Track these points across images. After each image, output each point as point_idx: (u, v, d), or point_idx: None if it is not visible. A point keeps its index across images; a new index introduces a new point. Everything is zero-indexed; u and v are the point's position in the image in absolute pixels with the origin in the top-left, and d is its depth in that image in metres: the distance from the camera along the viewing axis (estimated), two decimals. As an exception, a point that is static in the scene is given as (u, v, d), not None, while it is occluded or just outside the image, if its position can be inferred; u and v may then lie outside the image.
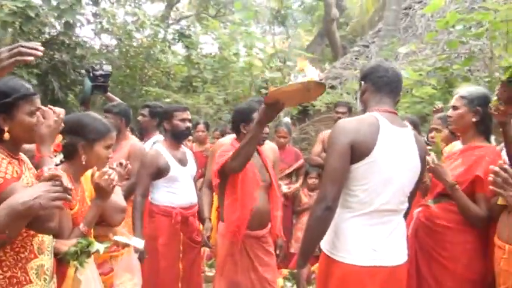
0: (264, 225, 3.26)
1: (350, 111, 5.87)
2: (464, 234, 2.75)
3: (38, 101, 1.96)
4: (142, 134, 4.70)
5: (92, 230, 2.28)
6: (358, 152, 2.14)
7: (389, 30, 9.12)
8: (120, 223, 2.48)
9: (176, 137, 3.75)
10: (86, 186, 2.34)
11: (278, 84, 7.96)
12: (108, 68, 4.70)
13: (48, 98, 6.90)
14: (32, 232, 1.83)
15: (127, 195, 3.35)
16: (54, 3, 7.06)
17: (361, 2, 14.60)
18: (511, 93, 2.51)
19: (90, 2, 8.23)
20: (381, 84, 2.31)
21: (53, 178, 1.69)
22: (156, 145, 3.80)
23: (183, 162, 3.73)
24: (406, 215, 2.44)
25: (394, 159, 2.20)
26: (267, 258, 3.29)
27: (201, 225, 3.78)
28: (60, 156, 2.16)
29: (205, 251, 5.73)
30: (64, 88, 7.37)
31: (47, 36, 7.59)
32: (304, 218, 5.14)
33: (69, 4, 6.93)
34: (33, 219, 1.70)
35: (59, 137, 2.05)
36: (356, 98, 7.83)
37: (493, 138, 3.06)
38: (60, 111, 1.94)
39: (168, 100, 7.01)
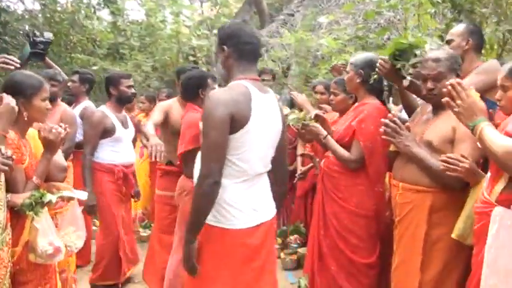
0: None
1: (274, 78, 6.21)
2: (355, 178, 3.28)
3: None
4: (71, 100, 4.81)
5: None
6: (236, 123, 2.14)
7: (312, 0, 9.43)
8: (63, 181, 2.68)
9: (121, 102, 4.11)
10: (33, 144, 2.52)
11: (205, 52, 8.12)
12: (49, 35, 4.65)
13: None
14: None
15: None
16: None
17: (287, -30, 14.74)
18: (392, 68, 2.98)
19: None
20: (246, 52, 2.28)
21: None
22: (102, 107, 4.08)
23: (125, 124, 4.10)
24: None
25: (265, 126, 2.28)
26: None
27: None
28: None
29: (138, 213, 5.96)
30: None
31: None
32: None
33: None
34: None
35: None
36: (281, 66, 8.19)
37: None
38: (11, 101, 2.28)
39: (95, 68, 6.99)
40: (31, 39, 4.48)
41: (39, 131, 2.49)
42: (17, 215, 2.32)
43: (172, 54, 7.62)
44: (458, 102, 2.02)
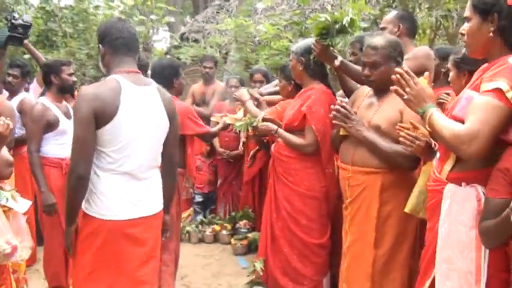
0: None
1: (216, 65, 6.19)
2: (304, 161, 3.44)
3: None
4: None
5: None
6: (102, 118, 2.22)
7: (248, -15, 9.39)
8: (9, 177, 2.56)
9: (63, 91, 3.87)
10: None
11: (142, 39, 7.93)
12: (28, 18, 4.39)
13: None
14: None
15: None
16: None
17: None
18: (322, 47, 3.10)
19: None
20: (118, 46, 2.36)
21: None
22: (41, 99, 3.82)
23: (67, 115, 3.82)
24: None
25: (139, 119, 2.32)
26: None
27: None
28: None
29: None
30: None
31: None
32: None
33: None
34: None
35: None
36: (219, 52, 8.17)
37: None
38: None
39: (26, 56, 6.63)
40: (10, 23, 4.23)
41: None
42: None
43: (108, 41, 7.38)
44: (407, 90, 2.09)
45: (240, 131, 4.82)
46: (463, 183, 1.99)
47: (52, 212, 3.57)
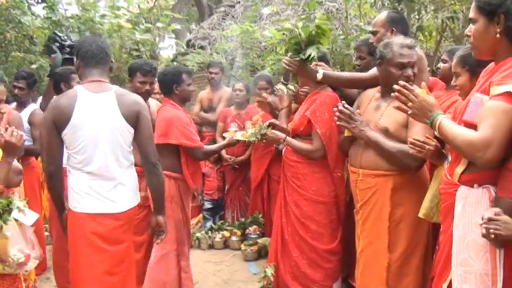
0: None
1: (223, 71, 6.20)
2: (312, 166, 3.41)
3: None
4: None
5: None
6: (60, 123, 2.53)
7: (253, -9, 9.44)
8: (18, 184, 2.58)
9: None
10: None
11: (149, 46, 7.97)
12: (76, 38, 4.41)
13: None
14: None
15: None
16: None
17: (223, -39, 14.66)
18: (299, 63, 3.14)
19: None
20: (88, 59, 2.63)
21: None
22: None
23: None
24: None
25: (93, 123, 2.56)
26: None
27: None
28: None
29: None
30: None
31: None
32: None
33: None
34: None
35: None
36: (225, 58, 8.18)
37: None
38: None
39: (34, 66, 6.67)
40: (59, 44, 4.21)
41: None
42: None
43: (115, 49, 7.41)
44: (410, 104, 2.10)
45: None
46: (475, 185, 1.98)
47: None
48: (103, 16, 7.63)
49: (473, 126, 1.90)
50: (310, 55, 3.07)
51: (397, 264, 2.81)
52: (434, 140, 2.35)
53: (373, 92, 3.03)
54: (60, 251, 3.71)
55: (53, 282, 3.95)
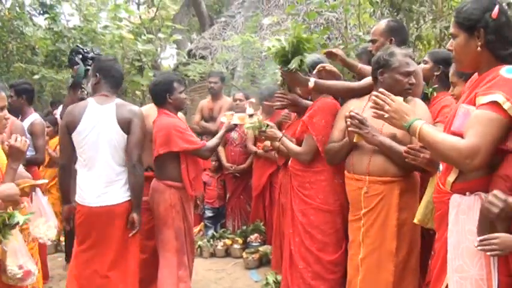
0: None
1: (223, 81, 6.26)
2: (319, 174, 3.41)
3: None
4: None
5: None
6: (70, 127, 3.21)
7: (252, 1, 9.54)
8: (29, 194, 2.62)
9: None
10: None
11: (151, 57, 8.05)
12: (98, 50, 4.49)
13: None
14: None
15: None
16: None
17: (223, -28, 14.78)
18: (289, 74, 3.13)
19: None
20: (108, 79, 3.30)
21: None
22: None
23: None
24: None
25: (96, 130, 3.19)
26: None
27: None
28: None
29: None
30: None
31: None
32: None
33: None
34: None
35: None
36: (226, 68, 8.26)
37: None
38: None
39: (36, 77, 6.76)
40: (82, 56, 4.31)
41: (2, 143, 2.44)
42: None
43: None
44: (386, 108, 2.15)
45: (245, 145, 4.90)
46: (467, 193, 2.02)
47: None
48: (105, 27, 7.72)
49: (462, 137, 1.95)
50: (293, 65, 3.09)
51: (400, 267, 2.85)
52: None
53: (362, 102, 3.07)
54: None
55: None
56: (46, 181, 3.12)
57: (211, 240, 5.38)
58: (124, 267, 3.26)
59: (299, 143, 3.59)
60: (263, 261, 4.87)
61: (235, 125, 3.95)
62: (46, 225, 2.65)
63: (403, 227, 2.85)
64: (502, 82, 1.90)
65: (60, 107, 5.03)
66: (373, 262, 2.92)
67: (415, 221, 2.65)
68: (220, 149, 5.52)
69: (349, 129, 2.88)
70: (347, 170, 3.10)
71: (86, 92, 4.51)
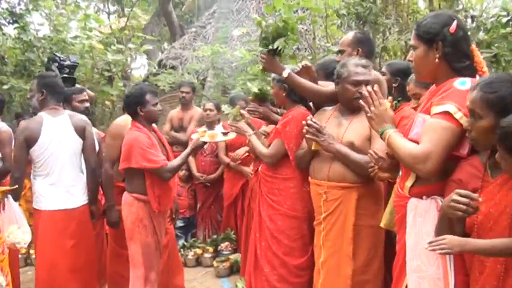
0: None
1: (194, 91, 6.30)
2: (288, 181, 3.51)
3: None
4: None
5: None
6: (31, 142, 3.47)
7: (223, 12, 9.62)
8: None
9: None
10: None
11: (121, 67, 8.05)
12: (75, 58, 4.46)
13: None
14: None
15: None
16: None
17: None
18: (268, 56, 3.25)
19: None
20: (54, 93, 3.61)
21: None
22: None
23: None
24: None
25: (55, 141, 3.51)
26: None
27: None
28: None
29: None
30: None
31: None
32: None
33: None
34: None
35: None
36: (197, 78, 8.31)
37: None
38: None
39: (6, 87, 6.70)
40: (58, 64, 4.26)
41: None
42: None
43: (87, 70, 7.48)
44: (372, 108, 2.27)
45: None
46: (423, 197, 2.14)
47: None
48: (75, 37, 7.70)
49: (418, 143, 2.07)
50: (278, 47, 3.18)
51: (359, 272, 2.95)
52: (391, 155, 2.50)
53: (330, 111, 3.18)
54: None
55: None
56: (16, 187, 3.14)
57: (182, 249, 5.38)
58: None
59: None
60: (234, 270, 4.91)
61: (204, 143, 3.81)
62: (21, 231, 2.67)
63: (361, 232, 2.95)
64: (455, 93, 2.03)
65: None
66: (333, 265, 3.02)
67: (381, 225, 2.76)
68: (191, 159, 5.55)
69: (307, 136, 3.00)
70: (310, 175, 3.21)
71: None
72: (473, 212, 1.79)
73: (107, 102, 8.46)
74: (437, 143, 1.99)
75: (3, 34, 7.82)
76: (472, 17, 5.29)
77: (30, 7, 8.51)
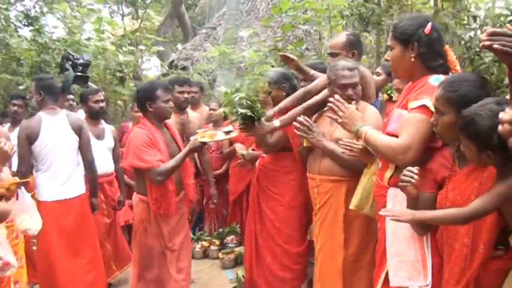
0: (177, 193, 3.60)
1: (202, 91, 6.49)
2: (289, 174, 3.73)
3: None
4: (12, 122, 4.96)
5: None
6: (32, 139, 3.75)
7: (232, 14, 9.78)
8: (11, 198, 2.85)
9: (92, 117, 4.47)
10: None
11: (132, 68, 8.29)
12: (88, 57, 4.66)
13: None
14: None
15: None
16: None
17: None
18: (255, 129, 3.37)
19: None
20: (51, 94, 3.89)
21: None
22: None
23: (100, 136, 4.44)
24: None
25: (54, 137, 3.80)
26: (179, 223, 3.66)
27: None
28: None
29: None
30: None
31: None
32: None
33: None
34: None
35: None
36: (205, 78, 8.50)
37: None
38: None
39: (21, 87, 6.95)
40: (72, 62, 4.48)
41: None
42: None
43: (99, 70, 7.72)
44: (340, 114, 2.46)
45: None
46: None
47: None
48: (89, 39, 7.93)
49: (395, 137, 2.24)
50: (254, 114, 3.26)
51: (351, 259, 3.14)
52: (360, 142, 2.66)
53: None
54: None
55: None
56: (28, 180, 3.28)
57: (190, 242, 5.58)
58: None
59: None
60: (238, 261, 5.09)
61: (204, 144, 3.56)
62: (32, 219, 2.88)
63: (352, 223, 3.14)
64: (430, 89, 2.19)
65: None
66: (327, 252, 3.21)
67: (351, 207, 2.90)
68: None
69: (298, 133, 3.18)
70: (307, 169, 3.40)
71: (73, 102, 4.78)
72: (415, 184, 1.99)
73: (119, 102, 8.71)
74: (415, 135, 2.15)
75: (19, 36, 8.07)
76: (475, 17, 5.37)
77: (45, 10, 8.82)
